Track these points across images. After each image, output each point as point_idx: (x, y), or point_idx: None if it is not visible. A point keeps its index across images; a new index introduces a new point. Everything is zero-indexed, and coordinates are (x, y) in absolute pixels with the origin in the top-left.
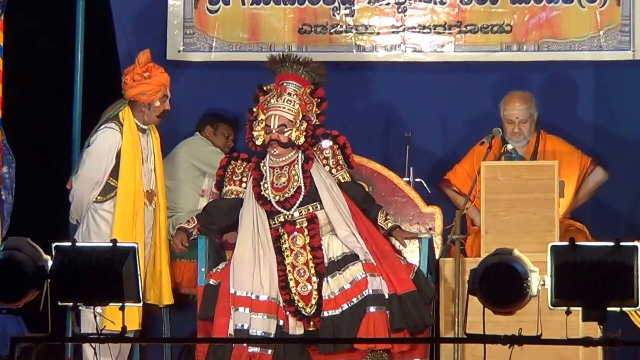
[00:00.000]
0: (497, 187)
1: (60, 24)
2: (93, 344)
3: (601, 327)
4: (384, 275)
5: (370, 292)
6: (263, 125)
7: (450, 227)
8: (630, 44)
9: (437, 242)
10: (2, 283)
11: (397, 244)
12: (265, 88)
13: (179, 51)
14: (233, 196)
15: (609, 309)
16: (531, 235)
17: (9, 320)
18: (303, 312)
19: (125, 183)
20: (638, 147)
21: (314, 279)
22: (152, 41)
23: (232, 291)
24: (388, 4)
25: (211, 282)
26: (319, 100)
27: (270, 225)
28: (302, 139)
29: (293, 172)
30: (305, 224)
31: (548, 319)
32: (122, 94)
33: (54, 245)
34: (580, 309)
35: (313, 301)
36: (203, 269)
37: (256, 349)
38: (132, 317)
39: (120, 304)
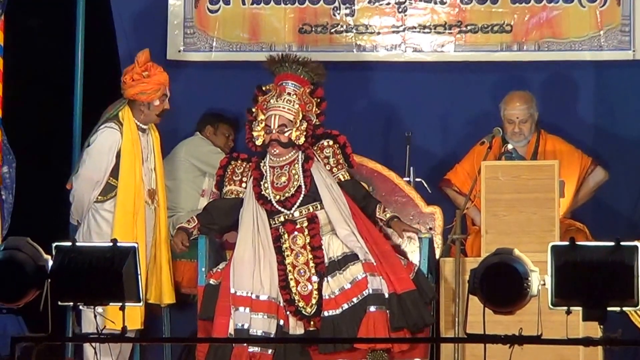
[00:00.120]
0: (498, 187)
1: (60, 24)
2: (93, 344)
3: (601, 327)
4: (384, 274)
5: (370, 291)
6: (263, 125)
7: (451, 227)
8: (630, 43)
9: (438, 241)
10: (3, 283)
11: (398, 241)
12: (264, 88)
13: (179, 51)
14: (233, 196)
15: (609, 308)
16: (531, 235)
17: (9, 320)
18: (303, 312)
19: (125, 182)
20: (638, 147)
21: (314, 278)
22: (153, 41)
23: (232, 291)
24: (388, 3)
25: (211, 281)
26: (319, 100)
27: (270, 225)
28: (302, 139)
29: (293, 171)
30: (305, 224)
31: (548, 319)
32: (121, 93)
33: (54, 245)
34: (580, 308)
35: (313, 301)
36: (203, 269)
37: (256, 349)
38: (134, 316)
39: (121, 304)
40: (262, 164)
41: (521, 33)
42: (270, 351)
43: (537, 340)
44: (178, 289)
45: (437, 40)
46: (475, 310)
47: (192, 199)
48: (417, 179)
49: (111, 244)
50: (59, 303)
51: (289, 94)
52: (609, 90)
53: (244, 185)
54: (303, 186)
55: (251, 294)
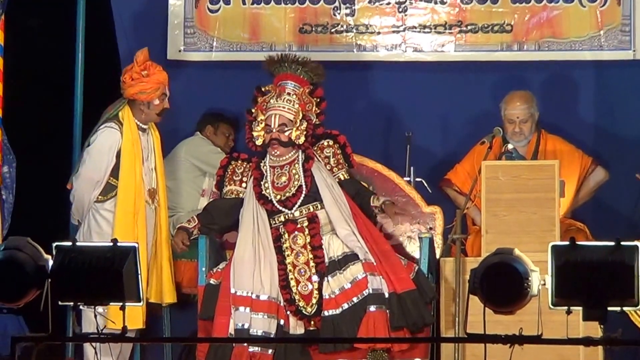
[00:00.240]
0: (498, 187)
1: (60, 24)
2: (94, 344)
3: (602, 326)
4: (384, 274)
5: (370, 291)
6: (263, 125)
7: (451, 226)
8: (630, 43)
9: (438, 241)
10: (3, 283)
11: (400, 239)
12: (263, 89)
13: (179, 51)
14: (233, 196)
15: (609, 308)
16: (532, 235)
17: (9, 319)
18: (304, 312)
19: (125, 182)
20: (638, 146)
21: (315, 278)
22: (153, 41)
23: (232, 291)
24: (389, 3)
25: (212, 281)
26: (319, 100)
27: (270, 224)
28: (303, 138)
29: (293, 171)
30: (305, 223)
31: (548, 319)
32: (121, 93)
33: (54, 244)
34: (580, 308)
35: (314, 300)
36: (204, 269)
37: (256, 349)
38: (135, 316)
39: (121, 304)
40: (262, 164)
41: (521, 33)
42: (270, 351)
43: (537, 340)
44: (178, 289)
45: (438, 40)
46: (475, 310)
47: (193, 199)
48: (418, 179)
49: (111, 243)
50: (60, 303)
51: (288, 94)
52: (609, 90)
53: (244, 185)
54: (304, 186)
55: (251, 293)
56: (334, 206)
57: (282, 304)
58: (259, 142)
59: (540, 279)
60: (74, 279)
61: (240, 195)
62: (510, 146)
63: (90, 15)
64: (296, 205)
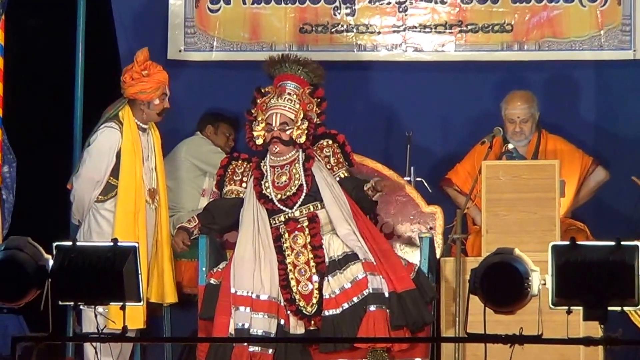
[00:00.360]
0: (498, 187)
1: (61, 24)
2: (94, 344)
3: (602, 326)
4: (384, 273)
5: (371, 291)
6: (264, 124)
7: (451, 226)
8: (631, 43)
9: (438, 241)
10: (3, 282)
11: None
12: (263, 90)
13: (180, 51)
14: (233, 196)
15: (609, 308)
16: (532, 235)
17: (10, 319)
18: (304, 311)
19: (125, 182)
20: (639, 146)
21: (315, 278)
22: (153, 41)
23: (232, 290)
24: (389, 3)
25: (212, 281)
26: (319, 100)
27: (270, 224)
28: (304, 138)
29: (294, 170)
30: (306, 223)
31: (549, 319)
32: (121, 93)
33: (54, 244)
34: (581, 308)
35: (314, 300)
36: (204, 269)
37: (257, 349)
38: (136, 316)
39: (121, 304)
40: (262, 164)
41: (522, 33)
42: (270, 351)
43: (537, 340)
44: (179, 289)
45: (438, 39)
46: (475, 310)
47: (193, 199)
48: (418, 179)
49: (112, 243)
50: (60, 303)
51: (289, 94)
52: (610, 90)
53: (244, 185)
54: (304, 185)
55: (251, 293)
56: (334, 205)
57: (282, 304)
58: (259, 141)
59: (541, 278)
60: (74, 279)
61: (241, 195)
62: (510, 146)
63: (91, 15)
64: (297, 205)
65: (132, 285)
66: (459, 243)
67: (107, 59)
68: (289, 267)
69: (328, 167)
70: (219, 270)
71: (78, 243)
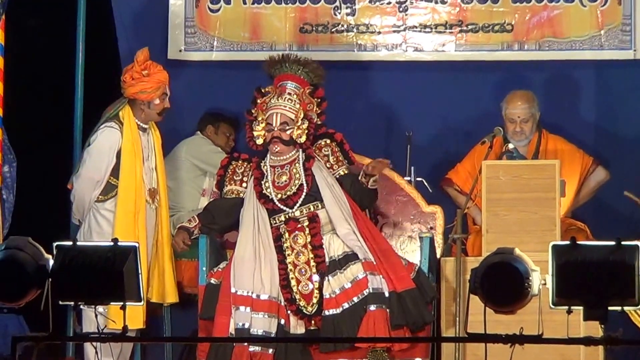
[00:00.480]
0: (499, 187)
1: (61, 24)
2: (94, 343)
3: (602, 326)
4: (384, 273)
5: (371, 290)
6: (264, 124)
7: (452, 226)
8: (631, 43)
9: (438, 241)
10: (4, 282)
11: (396, 244)
12: (263, 90)
13: (180, 50)
14: (234, 196)
15: (610, 308)
16: (532, 235)
17: (10, 319)
18: (304, 311)
19: (126, 182)
20: (639, 146)
21: (315, 277)
22: (154, 41)
23: (233, 290)
24: (389, 3)
25: (212, 281)
26: (319, 100)
27: (271, 224)
28: (304, 137)
29: (294, 170)
30: (306, 223)
31: (549, 318)
32: (122, 93)
33: (55, 244)
34: (581, 308)
35: (314, 300)
36: (204, 268)
37: (257, 348)
38: (136, 316)
39: (121, 304)
40: (262, 164)
41: (522, 32)
42: (271, 350)
43: (538, 339)
44: (181, 289)
45: (438, 39)
46: (476, 310)
47: (193, 199)
48: (418, 179)
49: (112, 243)
50: (60, 302)
51: (289, 93)
52: (610, 89)
53: (244, 185)
54: (304, 185)
55: (252, 293)
56: (334, 205)
57: (282, 304)
58: (259, 141)
59: (541, 278)
60: (74, 279)
61: (241, 195)
62: (511, 146)
63: (91, 15)
64: (297, 204)
65: (133, 285)
66: (459, 243)
67: (107, 59)
68: (289, 266)
69: (327, 165)
70: (219, 270)
71: (78, 243)
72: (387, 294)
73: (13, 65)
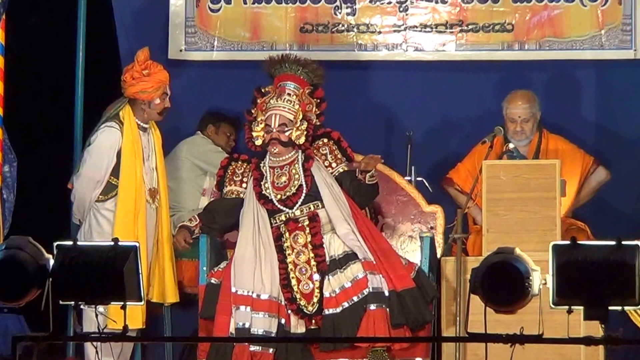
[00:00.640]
0: (499, 186)
1: (61, 23)
2: (95, 343)
3: (603, 326)
4: (384, 272)
5: (371, 290)
6: (263, 125)
7: (452, 226)
8: (632, 42)
9: (439, 241)
10: (4, 282)
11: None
12: (263, 90)
13: (180, 50)
14: (234, 196)
15: (610, 308)
16: (533, 234)
17: (10, 319)
18: (305, 310)
19: (126, 182)
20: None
21: (316, 277)
22: (154, 40)
23: (233, 290)
24: (390, 2)
25: (212, 281)
26: (319, 101)
27: (271, 224)
28: (303, 139)
29: (293, 171)
30: (306, 222)
31: (549, 318)
32: (122, 92)
33: (55, 244)
34: (581, 308)
35: (315, 299)
36: (205, 268)
37: (257, 348)
38: (135, 316)
39: (122, 303)
40: (262, 165)
41: (522, 32)
42: (271, 350)
43: (538, 339)
44: (181, 289)
45: (439, 39)
46: (476, 310)
47: (194, 198)
48: (418, 178)
49: (112, 243)
50: (60, 302)
51: (288, 94)
52: (611, 89)
53: (244, 185)
54: (304, 185)
55: (252, 293)
56: (333, 205)
57: (283, 303)
58: (258, 142)
59: (541, 278)
60: (75, 279)
61: (241, 195)
62: (511, 145)
63: (91, 14)
64: (297, 205)
65: (133, 285)
66: (459, 242)
67: (107, 59)
68: (290, 266)
69: (326, 164)
70: (220, 269)
71: (79, 243)
72: (387, 294)
73: (13, 64)
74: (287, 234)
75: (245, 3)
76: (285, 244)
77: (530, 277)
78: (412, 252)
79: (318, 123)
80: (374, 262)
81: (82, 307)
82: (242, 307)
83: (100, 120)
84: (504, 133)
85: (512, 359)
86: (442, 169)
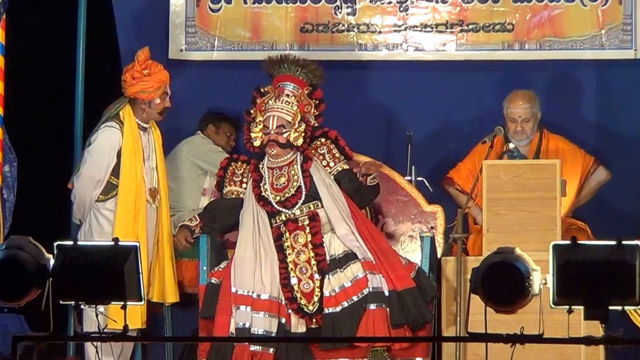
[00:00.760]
0: (499, 186)
1: (61, 23)
2: (95, 343)
3: (603, 325)
4: (383, 272)
5: (371, 289)
6: (261, 126)
7: (452, 225)
8: (632, 42)
9: (439, 240)
10: (4, 282)
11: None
12: (262, 90)
13: (181, 50)
14: (234, 196)
15: (610, 307)
16: (533, 234)
17: (11, 319)
18: (305, 310)
19: (126, 181)
20: None
21: (316, 276)
22: (154, 40)
23: (233, 290)
24: (390, 2)
25: (213, 280)
26: (317, 102)
27: (271, 224)
28: (301, 140)
29: (292, 172)
30: (306, 222)
31: (550, 318)
32: (122, 92)
33: (56, 244)
34: (582, 307)
35: (315, 299)
36: (205, 268)
37: (258, 348)
38: (134, 316)
39: (122, 303)
40: (260, 166)
41: (523, 32)
42: (271, 350)
43: (538, 339)
44: (181, 288)
45: (439, 39)
46: (476, 309)
47: (194, 198)
48: (419, 178)
49: (113, 243)
50: (61, 302)
51: (287, 95)
52: (611, 89)
53: (244, 186)
54: (303, 186)
55: (252, 293)
56: (332, 206)
57: (283, 303)
58: (257, 143)
59: (542, 278)
60: (75, 278)
61: (241, 195)
62: (511, 145)
63: (92, 14)
64: (296, 206)
65: (133, 285)
66: (460, 242)
67: (107, 58)
68: (290, 265)
69: (324, 164)
70: (220, 269)
71: (79, 242)
72: (387, 293)
73: (13, 64)
74: (287, 234)
75: (245, 3)
76: (286, 244)
77: (531, 277)
78: (412, 252)
79: (316, 124)
80: (374, 262)
81: (82, 307)
82: (242, 307)
83: (100, 120)
84: (504, 133)
85: (513, 359)
86: (443, 168)
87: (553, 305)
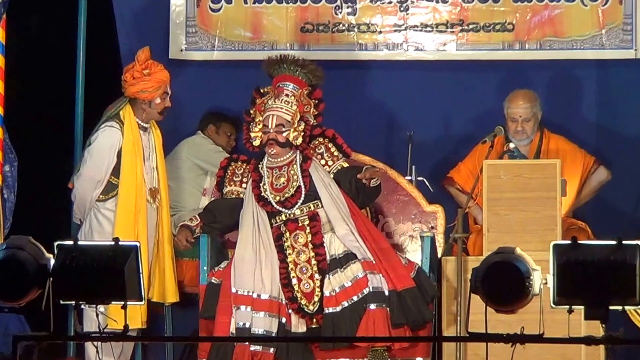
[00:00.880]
0: (500, 186)
1: (62, 23)
2: (95, 343)
3: (603, 325)
4: (383, 272)
5: (371, 289)
6: (261, 126)
7: (453, 225)
8: (632, 42)
9: (439, 240)
10: (5, 282)
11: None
12: (262, 90)
13: (181, 50)
14: (234, 196)
15: (611, 307)
16: (533, 234)
17: (11, 318)
18: (306, 310)
19: (126, 181)
20: None
21: (317, 276)
22: (155, 40)
23: (233, 290)
24: (390, 2)
25: (213, 280)
26: (317, 102)
27: (271, 224)
28: (300, 139)
29: (292, 172)
30: (307, 222)
31: (550, 318)
32: (122, 92)
33: (56, 243)
34: (582, 307)
35: (316, 298)
36: (205, 268)
37: (258, 348)
38: (134, 316)
39: (123, 303)
40: (260, 166)
41: (523, 32)
42: (271, 350)
43: (539, 339)
44: (182, 288)
45: (439, 39)
46: (477, 309)
47: (194, 198)
48: (419, 178)
49: (113, 242)
50: (61, 302)
51: (287, 95)
52: (612, 89)
53: (244, 186)
54: (302, 186)
55: (252, 293)
56: (332, 206)
57: (283, 302)
58: (256, 142)
59: (542, 277)
60: (75, 278)
61: (241, 195)
62: (512, 145)
63: (92, 14)
64: (296, 205)
65: (134, 285)
66: (460, 242)
67: (108, 58)
68: (290, 265)
69: (322, 163)
70: (220, 269)
71: (79, 242)
72: (387, 293)
73: (14, 63)
74: (287, 234)
75: (245, 3)
76: (286, 244)
77: (531, 277)
78: (412, 251)
79: (315, 124)
80: (374, 262)
81: (82, 306)
82: (243, 307)
83: (100, 120)
84: (504, 133)
85: (513, 359)
86: (443, 168)
87: (553, 305)
